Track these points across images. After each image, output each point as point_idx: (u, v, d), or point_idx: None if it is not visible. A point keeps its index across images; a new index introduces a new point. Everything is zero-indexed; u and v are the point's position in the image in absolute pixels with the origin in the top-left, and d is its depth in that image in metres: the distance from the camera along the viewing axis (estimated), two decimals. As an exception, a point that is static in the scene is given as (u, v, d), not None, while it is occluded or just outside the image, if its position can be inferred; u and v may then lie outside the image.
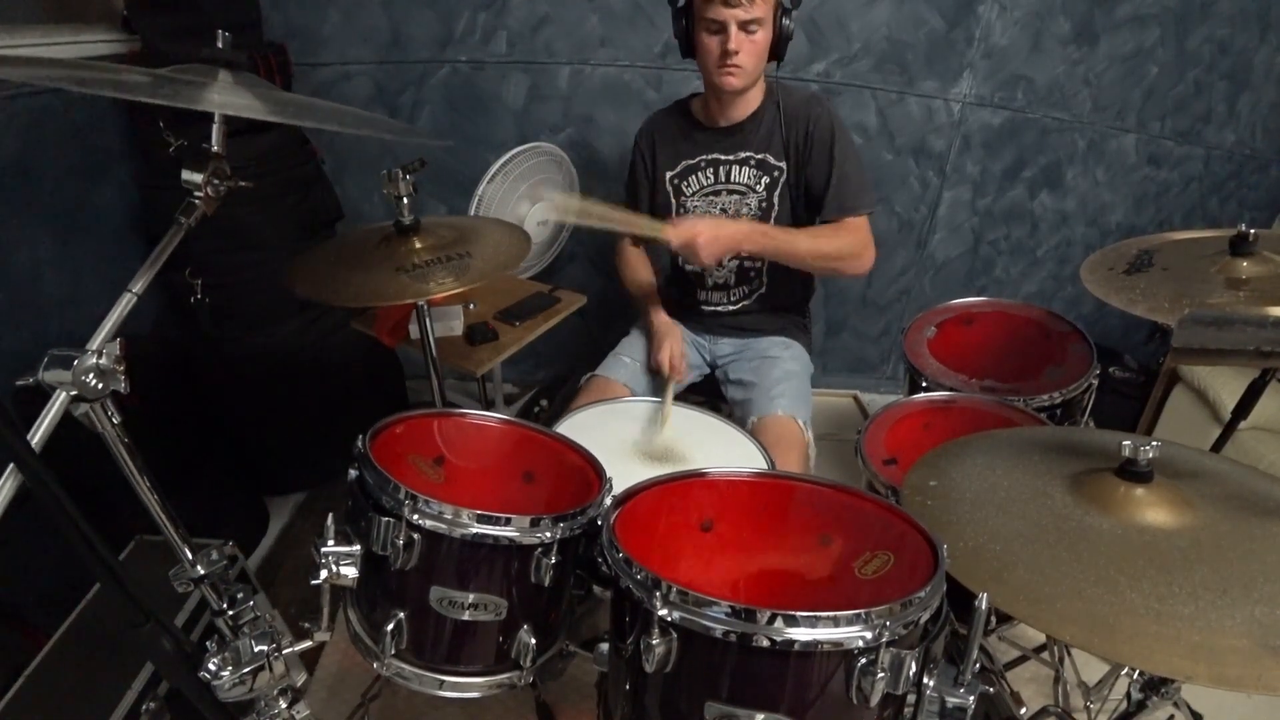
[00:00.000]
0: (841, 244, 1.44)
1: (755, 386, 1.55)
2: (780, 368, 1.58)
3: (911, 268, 2.52)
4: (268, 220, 1.76)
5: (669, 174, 1.56)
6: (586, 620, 1.20)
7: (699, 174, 1.54)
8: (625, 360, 1.61)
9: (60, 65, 0.82)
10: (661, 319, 1.59)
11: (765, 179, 1.50)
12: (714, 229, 1.35)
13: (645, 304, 1.64)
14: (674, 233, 1.34)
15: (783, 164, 1.49)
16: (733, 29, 1.32)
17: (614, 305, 2.31)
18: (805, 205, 1.52)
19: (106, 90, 0.72)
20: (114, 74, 0.76)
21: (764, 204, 1.52)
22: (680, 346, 1.53)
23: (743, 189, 1.52)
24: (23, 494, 0.63)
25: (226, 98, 0.82)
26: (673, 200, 1.57)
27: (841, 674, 0.65)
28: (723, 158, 1.52)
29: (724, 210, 1.54)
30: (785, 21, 1.36)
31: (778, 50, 1.39)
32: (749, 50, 1.35)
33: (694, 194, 1.55)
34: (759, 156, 1.49)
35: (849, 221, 1.45)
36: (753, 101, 1.48)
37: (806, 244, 1.43)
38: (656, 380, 1.59)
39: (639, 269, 1.69)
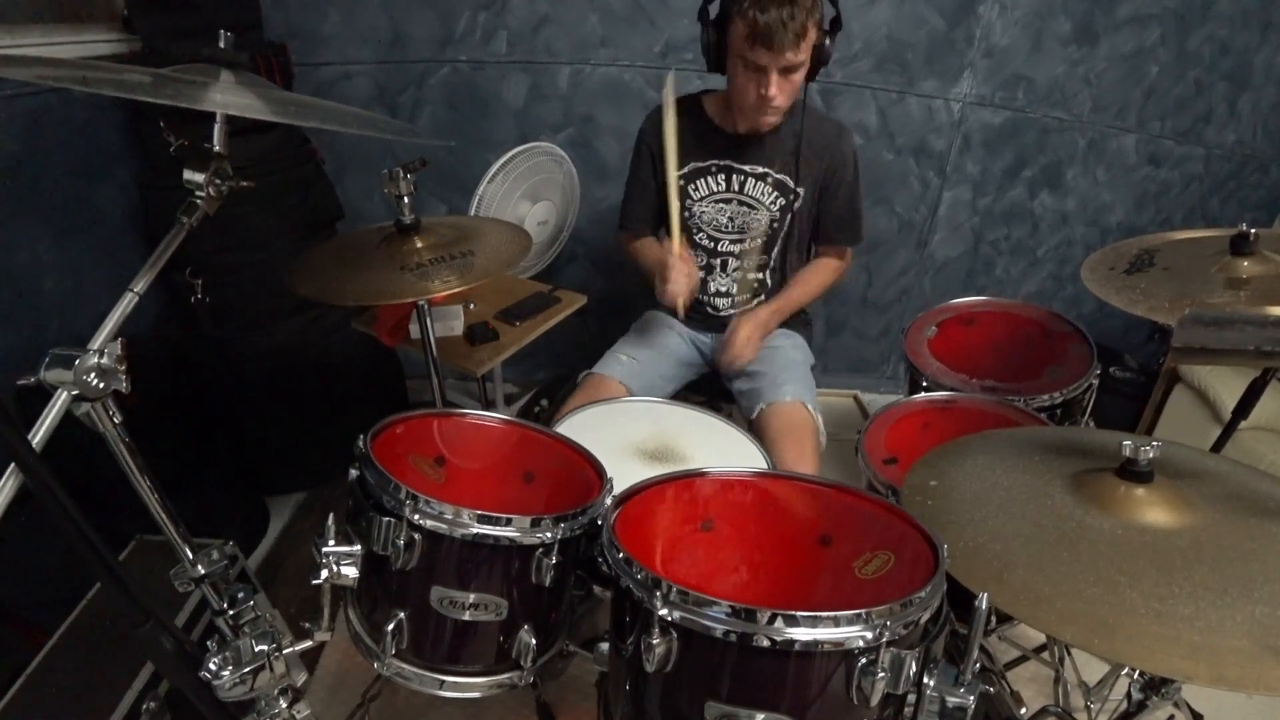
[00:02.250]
0: (829, 278, 1.61)
1: (762, 376, 1.56)
2: (784, 356, 1.59)
3: (912, 268, 2.52)
4: (268, 220, 1.76)
5: (676, 174, 1.54)
6: (586, 620, 1.20)
7: (709, 178, 1.53)
8: (622, 358, 1.61)
9: (62, 65, 0.82)
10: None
11: (781, 200, 1.51)
12: (750, 331, 1.48)
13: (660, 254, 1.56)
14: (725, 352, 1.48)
15: (801, 190, 1.49)
16: (773, 74, 1.28)
17: (614, 305, 2.31)
18: (812, 229, 1.59)
19: (108, 90, 0.72)
20: (116, 73, 0.76)
21: (775, 224, 1.53)
22: (695, 274, 1.47)
23: (754, 203, 1.52)
24: (23, 494, 0.63)
25: (228, 97, 0.82)
26: (681, 199, 1.56)
27: (842, 674, 0.65)
28: (737, 166, 1.50)
29: (731, 219, 1.54)
30: (827, 43, 1.31)
31: (814, 72, 1.35)
32: (787, 90, 1.32)
33: (702, 199, 1.54)
34: (778, 176, 1.49)
35: (847, 251, 1.58)
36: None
37: (806, 291, 1.59)
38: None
39: (642, 242, 1.65)
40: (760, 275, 1.60)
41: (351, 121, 0.95)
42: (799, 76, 1.32)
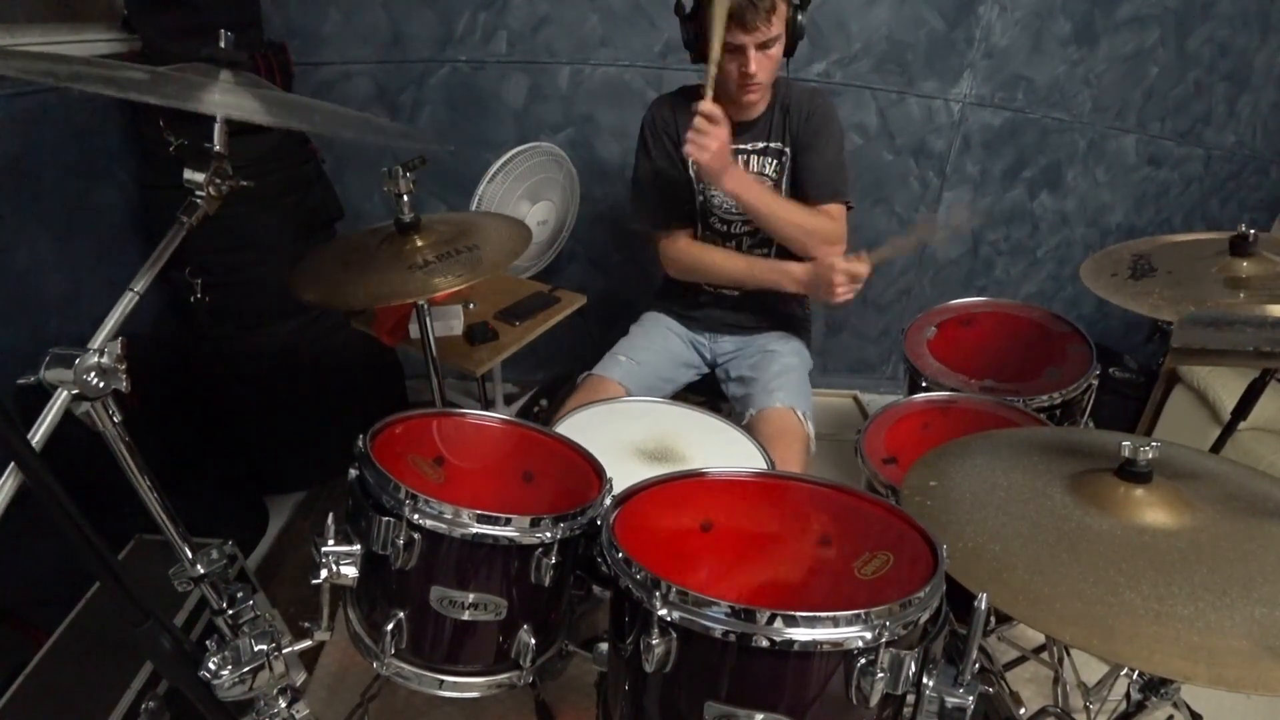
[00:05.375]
0: (820, 224, 1.45)
1: (754, 381, 1.56)
2: (779, 361, 1.59)
3: (911, 268, 2.52)
4: (268, 220, 1.76)
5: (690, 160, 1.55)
6: (586, 620, 1.20)
7: None
8: (622, 359, 1.61)
9: (59, 61, 0.81)
10: (789, 262, 1.51)
11: (774, 163, 1.52)
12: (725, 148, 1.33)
13: (751, 263, 1.56)
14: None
15: (787, 149, 1.50)
16: (751, 52, 1.32)
17: (614, 305, 2.31)
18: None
19: (101, 87, 0.71)
20: (111, 70, 0.76)
21: (776, 189, 1.54)
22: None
23: (758, 178, 1.53)
24: (23, 493, 0.63)
25: (228, 99, 0.82)
26: (694, 186, 1.57)
27: (841, 674, 0.65)
28: (740, 146, 1.52)
29: None
30: (799, 19, 1.35)
31: (791, 48, 1.39)
32: (765, 66, 1.36)
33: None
34: (772, 145, 1.51)
35: (830, 208, 1.48)
36: (765, 99, 1.49)
37: (788, 209, 1.44)
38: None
39: (700, 246, 1.60)
40: (764, 251, 1.59)
41: (350, 125, 0.95)
42: (776, 51, 1.35)
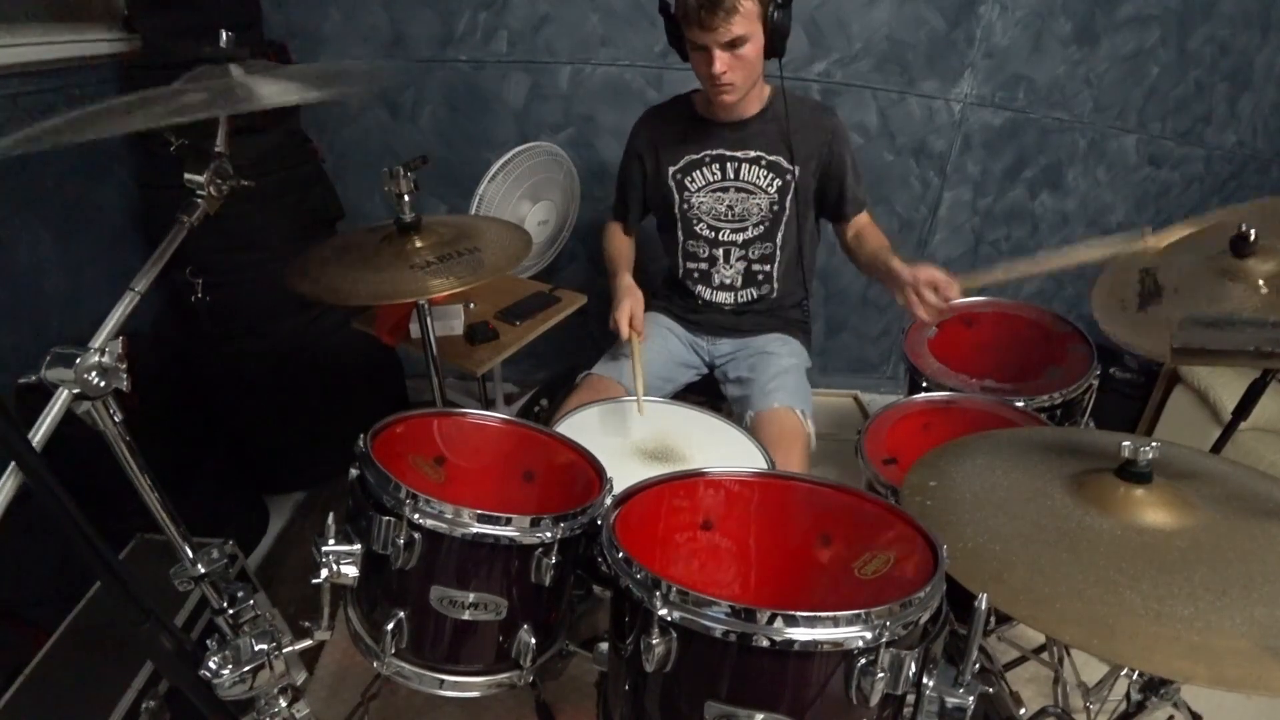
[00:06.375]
0: (878, 231, 1.57)
1: (752, 382, 1.55)
2: (777, 363, 1.59)
3: (912, 268, 2.51)
4: (268, 220, 1.76)
5: (671, 169, 1.55)
6: (586, 620, 1.20)
7: (704, 169, 1.53)
8: (621, 359, 1.61)
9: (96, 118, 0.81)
10: (625, 281, 1.55)
11: (778, 181, 1.51)
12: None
13: (617, 267, 1.63)
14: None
15: (795, 168, 1.49)
16: (716, 51, 1.29)
17: (614, 305, 2.31)
18: (817, 209, 1.58)
19: (164, 120, 0.72)
20: (175, 102, 0.76)
21: (775, 206, 1.52)
22: (640, 307, 1.49)
23: (751, 188, 1.52)
24: (23, 493, 0.64)
25: (272, 89, 0.81)
26: (675, 196, 1.56)
27: (841, 674, 0.65)
28: (729, 154, 1.51)
29: (730, 207, 1.54)
30: (776, 16, 1.30)
31: (775, 48, 1.35)
32: (737, 67, 1.32)
33: (699, 189, 1.54)
34: (771, 158, 1.50)
35: (862, 217, 1.59)
36: (757, 99, 1.48)
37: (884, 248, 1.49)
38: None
39: (620, 240, 1.71)
40: (765, 267, 1.59)
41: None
42: (749, 50, 1.31)
